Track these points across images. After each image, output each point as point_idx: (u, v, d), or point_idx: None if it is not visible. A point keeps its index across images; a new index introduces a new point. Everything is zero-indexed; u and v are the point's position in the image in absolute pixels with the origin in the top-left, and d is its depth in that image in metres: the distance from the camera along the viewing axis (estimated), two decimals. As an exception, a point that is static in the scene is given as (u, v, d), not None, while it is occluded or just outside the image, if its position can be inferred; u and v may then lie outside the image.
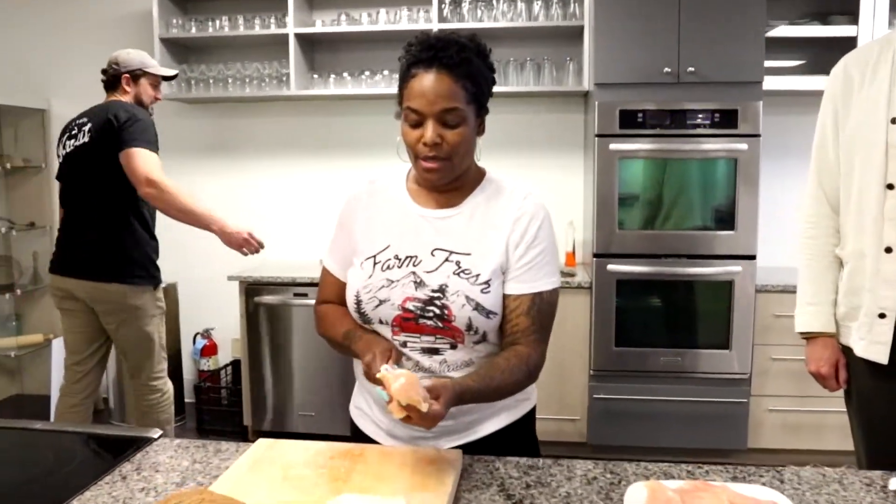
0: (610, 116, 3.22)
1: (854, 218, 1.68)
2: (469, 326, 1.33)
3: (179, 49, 3.98)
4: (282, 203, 4.15)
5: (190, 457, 1.32)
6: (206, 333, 4.18)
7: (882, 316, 1.61)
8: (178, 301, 4.04)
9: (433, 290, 1.34)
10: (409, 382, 1.13)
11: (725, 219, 3.24)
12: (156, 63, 3.02)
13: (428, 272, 1.36)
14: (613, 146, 3.23)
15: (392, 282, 1.36)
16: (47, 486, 1.19)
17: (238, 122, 4.14)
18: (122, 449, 1.33)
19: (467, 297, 1.33)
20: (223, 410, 3.93)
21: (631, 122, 3.22)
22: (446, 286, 1.33)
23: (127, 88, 2.91)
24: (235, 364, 4.11)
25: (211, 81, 3.88)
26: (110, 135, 2.71)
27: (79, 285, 2.83)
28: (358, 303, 1.39)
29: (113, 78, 2.93)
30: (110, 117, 2.72)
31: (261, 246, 2.90)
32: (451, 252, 1.37)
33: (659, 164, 3.27)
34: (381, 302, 1.36)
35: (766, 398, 3.32)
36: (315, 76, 3.84)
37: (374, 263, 1.40)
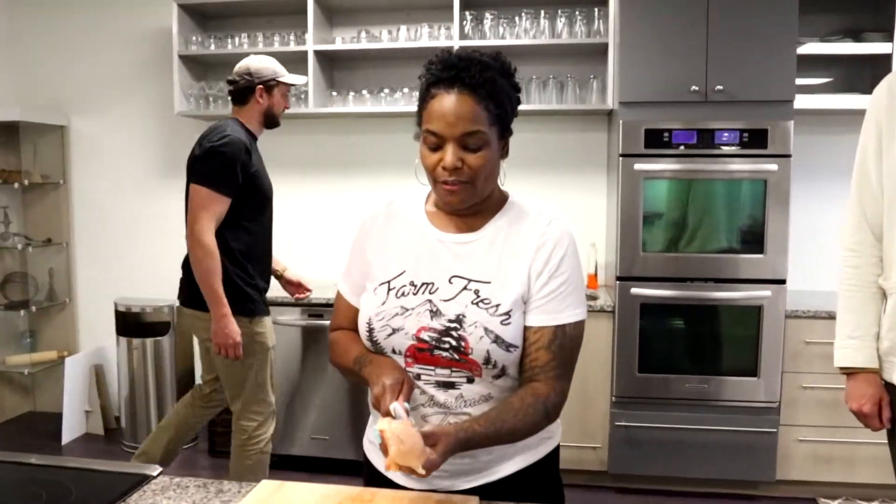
0: (635, 136, 3.14)
1: (898, 247, 1.58)
2: (487, 360, 1.25)
3: (198, 66, 3.96)
4: (298, 221, 4.10)
5: (189, 498, 1.24)
6: (221, 352, 4.12)
7: (929, 352, 1.50)
8: (192, 320, 3.99)
9: (450, 321, 1.26)
10: (409, 448, 1.05)
11: (754, 241, 3.13)
12: (285, 70, 2.87)
13: (445, 301, 1.28)
14: (638, 166, 3.14)
15: (406, 310, 1.28)
16: (36, 530, 1.12)
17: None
18: (118, 487, 1.26)
19: (486, 329, 1.24)
20: (236, 432, 3.86)
21: (656, 141, 3.13)
22: (464, 316, 1.25)
23: (260, 100, 2.77)
24: (249, 384, 4.05)
25: (229, 99, 3.83)
26: (191, 160, 2.67)
27: (179, 309, 2.82)
28: (370, 331, 1.31)
29: (244, 89, 2.76)
30: (202, 142, 2.65)
31: (237, 357, 2.66)
32: (470, 280, 1.29)
33: (685, 185, 3.17)
34: (395, 331, 1.28)
35: (795, 428, 3.19)
36: (334, 93, 3.79)
37: (389, 290, 1.32)
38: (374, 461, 1.42)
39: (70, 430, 3.96)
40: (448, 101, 1.22)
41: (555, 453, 1.41)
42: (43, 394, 4.38)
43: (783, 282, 3.11)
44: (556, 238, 1.30)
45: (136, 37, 4.12)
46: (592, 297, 3.35)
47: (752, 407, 3.19)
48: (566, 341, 1.28)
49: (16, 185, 3.99)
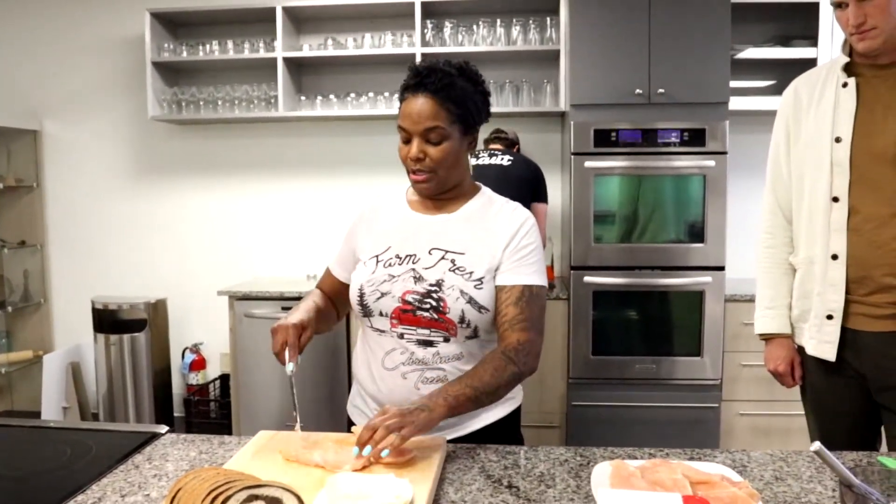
0: (585, 136, 3.39)
1: (805, 228, 1.83)
2: (462, 319, 1.47)
3: (170, 72, 4.11)
4: (270, 220, 4.27)
5: (196, 448, 1.43)
6: (195, 348, 4.28)
7: (829, 317, 1.76)
8: (167, 316, 4.14)
9: (431, 285, 1.48)
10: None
11: (696, 232, 3.40)
12: None
13: (426, 268, 1.50)
14: (589, 164, 3.39)
15: (393, 276, 1.51)
16: (68, 474, 1.30)
17: (227, 143, 4.27)
18: (133, 442, 1.45)
19: (461, 291, 1.47)
20: (212, 423, 4.02)
21: (605, 140, 3.39)
22: (443, 281, 1.48)
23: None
24: (224, 378, 4.21)
25: (201, 103, 4.01)
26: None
27: None
28: (361, 295, 1.53)
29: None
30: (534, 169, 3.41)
31: None
32: (447, 251, 1.52)
33: (632, 181, 3.43)
34: (383, 294, 1.51)
35: (736, 403, 3.48)
36: (302, 98, 3.98)
37: (378, 262, 1.55)
38: (358, 423, 1.62)
39: (48, 426, 4.06)
40: (414, 103, 1.46)
41: (517, 413, 1.64)
42: (20, 393, 4.47)
43: (722, 268, 3.39)
44: (523, 219, 1.56)
45: (109, 44, 4.26)
46: (549, 287, 3.59)
47: (697, 385, 3.46)
48: (533, 299, 1.50)
49: (-9, 188, 4.10)
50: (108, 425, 1.59)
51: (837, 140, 1.74)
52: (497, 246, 1.52)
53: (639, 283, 3.43)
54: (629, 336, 3.51)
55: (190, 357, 4.25)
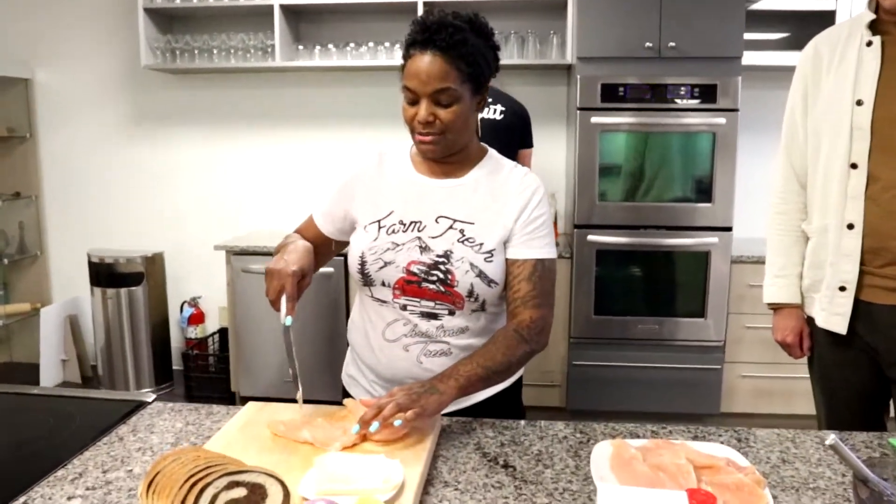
0: (592, 90, 3.28)
1: (820, 195, 1.75)
2: (470, 293, 1.40)
3: (164, 19, 3.97)
4: (267, 173, 4.18)
5: (183, 419, 1.39)
6: (193, 302, 4.24)
7: (842, 289, 1.69)
8: (164, 270, 4.09)
9: (438, 255, 1.40)
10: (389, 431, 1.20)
11: (704, 191, 3.32)
12: None
13: (433, 238, 1.42)
14: (595, 119, 3.28)
15: (397, 245, 1.42)
16: (49, 446, 1.26)
17: (223, 93, 4.15)
18: (118, 412, 1.40)
19: (471, 264, 1.39)
20: (211, 377, 4.01)
21: (612, 95, 3.28)
22: (451, 252, 1.40)
23: None
24: (223, 332, 4.18)
25: (196, 52, 3.88)
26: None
27: None
28: (362, 263, 1.44)
29: None
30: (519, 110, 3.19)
31: None
32: (456, 220, 1.43)
33: (640, 138, 3.33)
34: (386, 264, 1.42)
35: (739, 364, 3.44)
36: (300, 47, 3.85)
37: (380, 227, 1.45)
38: (355, 394, 1.58)
39: (48, 378, 4.06)
40: (422, 62, 1.34)
41: (517, 384, 1.59)
42: (18, 345, 4.46)
43: (730, 229, 3.31)
44: (534, 187, 1.46)
45: (100, -11, 4.11)
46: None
47: (699, 346, 3.41)
48: (545, 273, 1.43)
49: (-18, 138, 4.01)
50: (94, 392, 1.54)
51: (859, 103, 1.64)
52: (508, 217, 1.43)
53: (644, 242, 3.36)
54: (632, 296, 3.46)
55: (188, 311, 4.22)
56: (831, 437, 0.91)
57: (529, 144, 3.25)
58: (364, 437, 1.21)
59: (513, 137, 3.14)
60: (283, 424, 1.25)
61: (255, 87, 4.13)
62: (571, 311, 3.43)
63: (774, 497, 1.08)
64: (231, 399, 3.83)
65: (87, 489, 1.11)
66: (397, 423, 1.18)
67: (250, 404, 1.39)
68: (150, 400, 1.47)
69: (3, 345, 4.46)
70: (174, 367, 4.20)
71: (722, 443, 1.28)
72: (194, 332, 4.20)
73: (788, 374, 3.34)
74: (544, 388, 3.55)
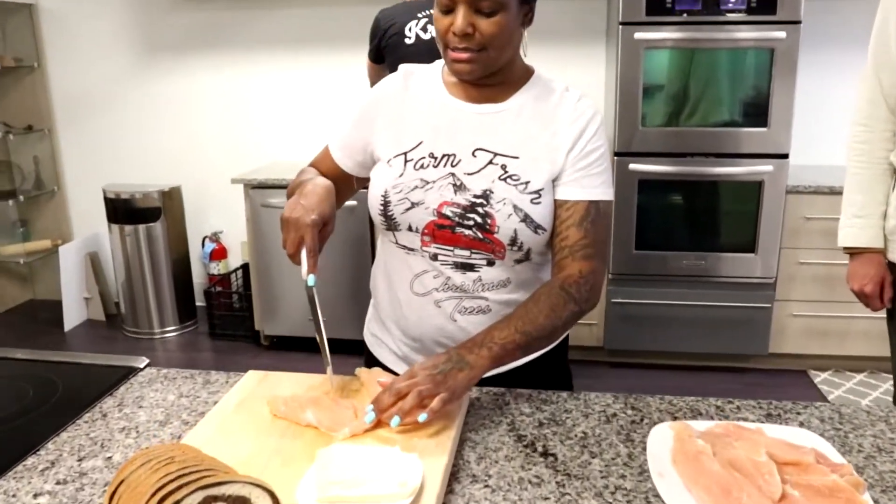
0: (636, 2, 2.96)
1: (912, 120, 1.49)
2: (513, 241, 1.18)
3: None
4: (286, 100, 3.94)
5: (177, 389, 1.23)
6: (215, 237, 4.10)
7: (934, 230, 1.45)
8: (183, 204, 3.93)
9: (475, 196, 1.18)
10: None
11: (757, 114, 3.02)
12: None
13: (469, 174, 1.19)
14: (639, 35, 2.97)
15: (427, 182, 1.19)
16: (24, 425, 1.11)
17: (238, 16, 3.87)
18: (106, 380, 1.25)
19: (515, 207, 1.17)
20: (235, 315, 3.90)
21: (658, 8, 2.95)
22: (491, 192, 1.17)
23: None
24: (246, 268, 4.04)
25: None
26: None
27: None
28: (385, 204, 1.22)
29: None
30: None
31: None
32: (496, 154, 1.20)
33: (687, 55, 3.02)
34: (414, 205, 1.20)
35: (790, 303, 3.21)
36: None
37: (406, 161, 1.22)
38: (378, 354, 1.39)
39: (71, 317, 3.99)
40: None
41: (563, 345, 1.38)
42: (41, 282, 4.39)
43: (786, 156, 3.03)
44: (590, 115, 1.22)
45: None
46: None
47: (748, 283, 3.18)
48: (599, 218, 1.21)
49: (-13, 68, 3.83)
50: (82, 356, 1.39)
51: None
52: (559, 149, 1.19)
53: (690, 171, 3.10)
54: (676, 229, 3.21)
55: (210, 246, 4.08)
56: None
57: None
58: (378, 422, 1.03)
59: None
60: (285, 403, 1.07)
61: (272, 8, 3.85)
62: (611, 246, 3.21)
63: (875, 501, 0.88)
64: (255, 337, 3.72)
65: (58, 483, 0.96)
66: (422, 418, 1.00)
67: (250, 373, 1.22)
68: (141, 366, 1.31)
69: (26, 283, 4.39)
70: (198, 304, 4.09)
71: (801, 423, 1.08)
72: (217, 268, 4.07)
73: (844, 314, 3.10)
74: (581, 327, 3.36)
